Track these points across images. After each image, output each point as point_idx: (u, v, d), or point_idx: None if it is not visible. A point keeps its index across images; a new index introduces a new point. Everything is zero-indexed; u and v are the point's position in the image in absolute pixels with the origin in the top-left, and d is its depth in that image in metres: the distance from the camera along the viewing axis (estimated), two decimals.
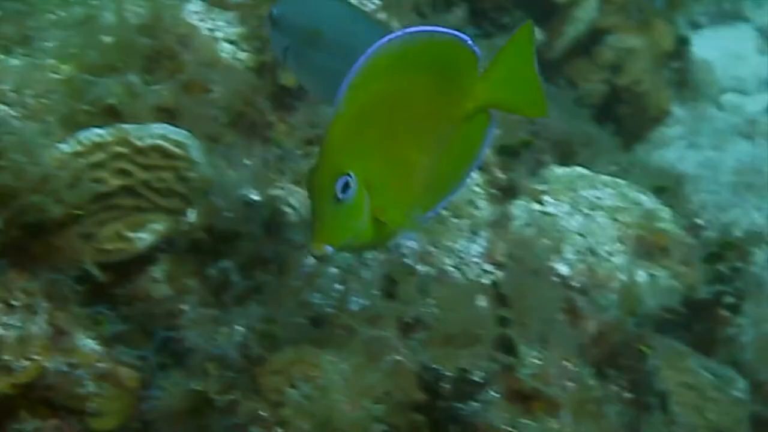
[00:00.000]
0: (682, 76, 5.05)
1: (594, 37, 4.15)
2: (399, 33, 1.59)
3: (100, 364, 2.21)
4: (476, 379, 1.43)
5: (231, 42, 2.98)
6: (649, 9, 4.60)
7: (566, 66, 4.11)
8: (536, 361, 1.52)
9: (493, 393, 1.44)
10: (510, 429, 1.40)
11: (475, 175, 2.49)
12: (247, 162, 2.70)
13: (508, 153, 2.55)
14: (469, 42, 1.64)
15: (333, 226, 1.55)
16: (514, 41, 1.68)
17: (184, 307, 2.35)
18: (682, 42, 4.85)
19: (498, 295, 1.61)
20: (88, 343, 2.22)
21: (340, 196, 1.54)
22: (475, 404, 1.43)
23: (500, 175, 2.54)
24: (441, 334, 1.59)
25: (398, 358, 1.47)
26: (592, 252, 2.57)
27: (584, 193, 2.68)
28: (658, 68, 4.73)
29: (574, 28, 3.93)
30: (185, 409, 1.65)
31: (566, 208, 2.63)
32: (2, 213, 2.07)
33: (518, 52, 1.69)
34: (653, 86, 4.56)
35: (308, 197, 1.57)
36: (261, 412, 1.60)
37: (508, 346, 1.54)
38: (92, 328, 2.24)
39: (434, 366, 1.41)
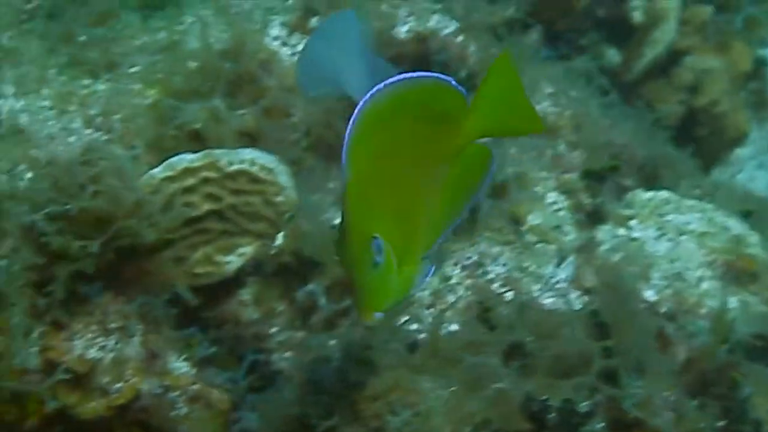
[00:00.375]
0: (760, 97, 5.01)
1: (672, 58, 4.13)
2: (381, 84, 1.60)
3: (192, 387, 2.24)
4: (582, 409, 1.43)
5: None
6: (727, 30, 4.57)
7: (644, 88, 4.10)
8: (639, 391, 1.52)
9: (598, 424, 1.44)
10: None
11: (562, 200, 2.50)
12: (331, 186, 2.72)
13: (593, 177, 2.55)
14: (453, 82, 1.65)
15: (379, 292, 1.55)
16: (494, 69, 1.69)
17: (272, 330, 2.37)
18: (760, 62, 4.81)
19: (595, 323, 1.61)
20: (180, 366, 2.25)
21: (377, 260, 1.55)
22: None
23: (586, 200, 2.54)
24: (540, 363, 1.60)
25: (501, 386, 1.48)
26: (680, 277, 2.57)
27: (671, 217, 2.67)
28: (736, 89, 4.69)
29: (652, 50, 3.93)
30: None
31: (653, 233, 2.63)
32: (98, 237, 2.09)
33: (500, 78, 1.69)
34: (731, 107, 4.53)
35: (344, 268, 1.56)
36: None
37: (610, 376, 1.55)
38: (184, 351, 2.26)
39: (540, 397, 1.42)
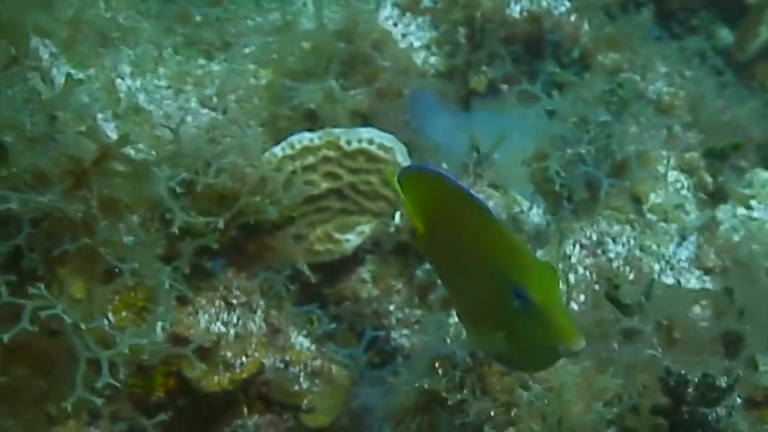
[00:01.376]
0: None
1: None
2: None
3: (313, 362, 2.26)
4: (722, 384, 1.43)
5: (423, 47, 3.02)
6: None
7: (757, 68, 4.04)
8: None
9: (737, 399, 1.44)
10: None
11: (683, 179, 2.48)
12: (445, 166, 2.73)
13: (715, 156, 2.53)
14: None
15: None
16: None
17: (391, 307, 2.40)
18: None
19: (723, 301, 1.60)
20: (301, 341, 2.28)
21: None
22: (720, 410, 1.43)
23: (708, 178, 2.52)
24: (670, 339, 1.60)
25: (635, 359, 1.48)
26: None
27: None
28: None
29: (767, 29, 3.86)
30: (413, 406, 1.69)
31: None
32: (223, 213, 2.12)
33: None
34: None
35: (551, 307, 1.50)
36: (492, 413, 1.63)
37: (743, 353, 1.54)
38: (304, 327, 2.29)
39: (679, 371, 1.42)
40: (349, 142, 2.40)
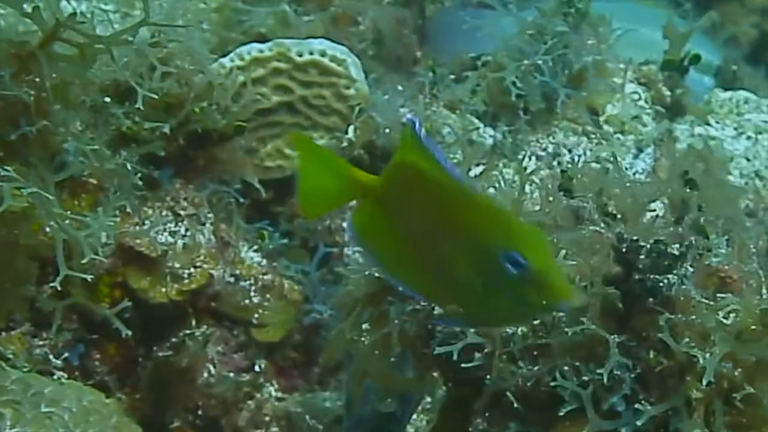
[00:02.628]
0: None
1: None
2: None
3: (264, 276, 2.22)
4: (674, 252, 1.40)
5: None
6: None
7: (716, 6, 4.02)
8: (724, 251, 1.48)
9: (689, 267, 1.41)
10: (709, 302, 1.37)
11: (641, 91, 2.45)
12: (401, 87, 2.69)
13: (673, 69, 2.50)
14: None
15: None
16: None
17: (345, 224, 2.36)
18: None
19: (683, 181, 1.57)
20: (252, 256, 2.24)
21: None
22: (672, 278, 1.40)
23: (666, 92, 2.49)
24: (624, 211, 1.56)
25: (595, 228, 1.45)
26: (759, 176, 2.52)
27: (750, 116, 2.62)
28: None
29: None
30: (364, 297, 1.65)
31: (731, 131, 2.57)
32: (169, 120, 2.07)
33: None
34: None
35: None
36: None
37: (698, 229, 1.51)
38: (255, 242, 2.25)
39: (631, 237, 1.38)
40: (300, 54, 2.35)
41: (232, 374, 2.25)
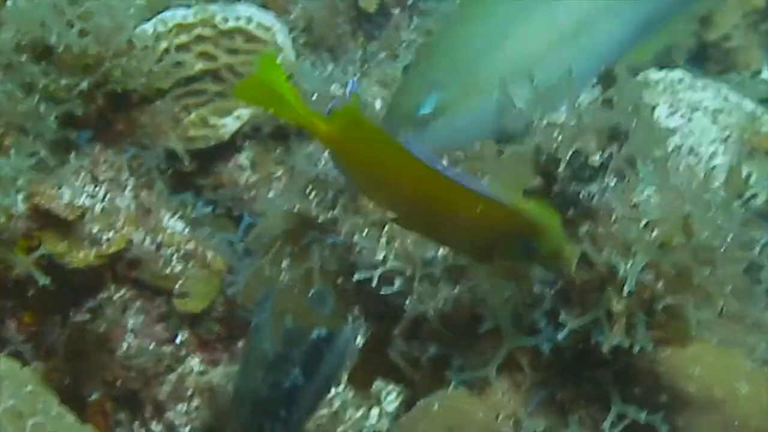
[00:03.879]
0: None
1: None
2: None
3: (186, 245, 2.19)
4: (594, 163, 1.39)
5: None
6: None
7: None
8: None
9: (611, 180, 1.40)
10: (631, 213, 1.36)
11: None
12: (330, 66, 2.69)
13: None
14: None
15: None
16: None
17: (271, 194, 2.34)
18: None
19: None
20: (174, 224, 2.21)
21: None
22: (593, 188, 1.39)
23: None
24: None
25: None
26: (693, 152, 2.53)
27: (683, 95, 2.63)
28: (750, 26, 4.63)
29: None
30: (284, 233, 1.63)
31: (665, 109, 2.59)
32: (87, 78, 2.05)
33: None
34: (743, 44, 4.47)
35: None
36: (364, 231, 1.58)
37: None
38: (178, 210, 2.22)
39: (550, 148, 1.38)
40: (225, 20, 2.33)
41: (152, 346, 2.20)
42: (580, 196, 1.37)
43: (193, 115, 2.33)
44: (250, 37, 2.34)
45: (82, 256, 2.07)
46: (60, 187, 2.07)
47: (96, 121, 2.15)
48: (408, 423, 1.36)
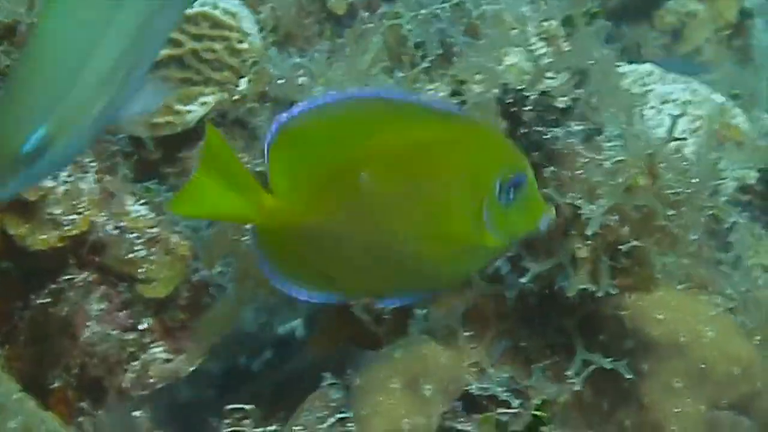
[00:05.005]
0: (745, 54, 5.00)
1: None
2: None
3: (150, 230, 2.18)
4: (560, 105, 1.40)
5: None
6: None
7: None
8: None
9: (576, 126, 1.41)
10: (595, 156, 1.36)
11: (542, 47, 2.47)
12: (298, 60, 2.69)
13: (574, 26, 2.51)
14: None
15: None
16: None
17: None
18: (746, 15, 4.79)
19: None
20: (138, 209, 2.19)
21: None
22: (558, 131, 1.40)
23: (566, 47, 2.50)
24: None
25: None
26: None
27: (653, 86, 2.65)
28: (721, 40, 4.68)
29: None
30: None
31: None
32: None
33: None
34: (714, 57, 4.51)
35: None
36: None
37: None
38: (142, 195, 2.21)
39: (516, 86, 1.38)
40: (190, 6, 2.33)
41: (115, 332, 2.19)
42: (546, 138, 1.37)
43: None
44: (215, 23, 2.34)
45: (44, 239, 2.05)
46: None
47: None
48: (370, 371, 1.35)
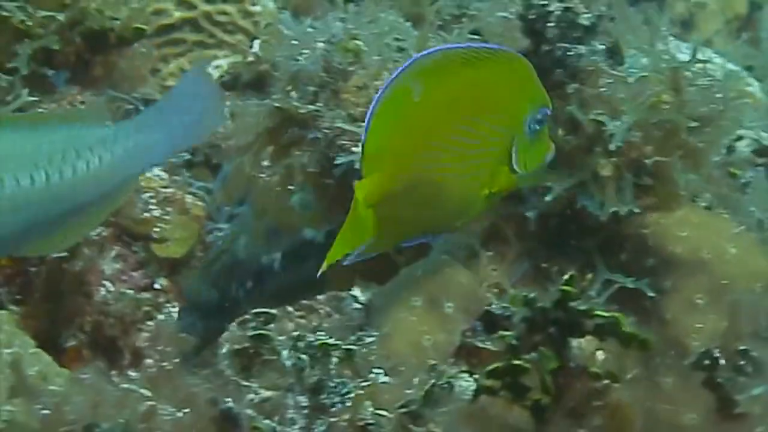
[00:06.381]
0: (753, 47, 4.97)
1: None
2: None
3: (164, 190, 2.17)
4: (584, 22, 1.39)
5: None
6: None
7: None
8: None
9: (599, 44, 1.40)
10: (618, 73, 1.35)
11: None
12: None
13: None
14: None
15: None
16: None
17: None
18: (755, 7, 4.78)
19: None
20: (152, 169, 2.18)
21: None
22: (582, 48, 1.39)
23: None
24: None
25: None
26: None
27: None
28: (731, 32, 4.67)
29: None
30: (265, 131, 1.62)
31: None
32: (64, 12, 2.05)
33: None
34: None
35: None
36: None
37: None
38: None
39: (540, 2, 1.37)
40: None
41: (131, 292, 2.18)
42: (569, 54, 1.36)
43: (171, 65, 2.31)
44: None
45: None
46: None
47: (73, 63, 2.13)
48: (391, 289, 1.34)
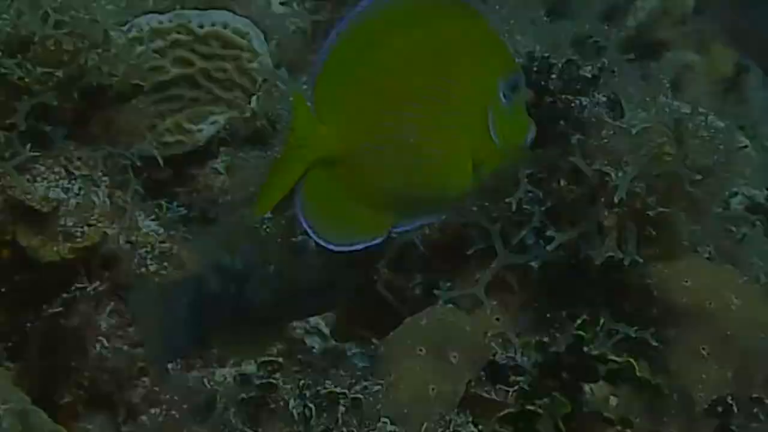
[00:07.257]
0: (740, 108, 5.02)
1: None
2: None
3: (161, 245, 2.17)
4: (586, 74, 1.40)
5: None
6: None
7: None
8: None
9: (600, 97, 1.41)
10: (620, 124, 1.37)
11: None
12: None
13: None
14: None
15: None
16: None
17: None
18: (741, 69, 4.82)
19: None
20: (149, 224, 2.19)
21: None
22: (584, 99, 1.40)
23: None
24: None
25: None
26: None
27: None
28: (717, 93, 4.70)
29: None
30: None
31: None
32: (62, 69, 2.06)
33: None
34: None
35: None
36: None
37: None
38: (152, 212, 2.21)
39: (542, 54, 1.39)
40: (201, 26, 2.35)
41: (126, 347, 2.17)
42: (572, 106, 1.37)
43: (168, 121, 2.33)
44: (226, 42, 2.35)
45: (56, 250, 2.05)
46: (34, 181, 2.05)
47: (71, 120, 2.14)
48: (396, 338, 1.34)
